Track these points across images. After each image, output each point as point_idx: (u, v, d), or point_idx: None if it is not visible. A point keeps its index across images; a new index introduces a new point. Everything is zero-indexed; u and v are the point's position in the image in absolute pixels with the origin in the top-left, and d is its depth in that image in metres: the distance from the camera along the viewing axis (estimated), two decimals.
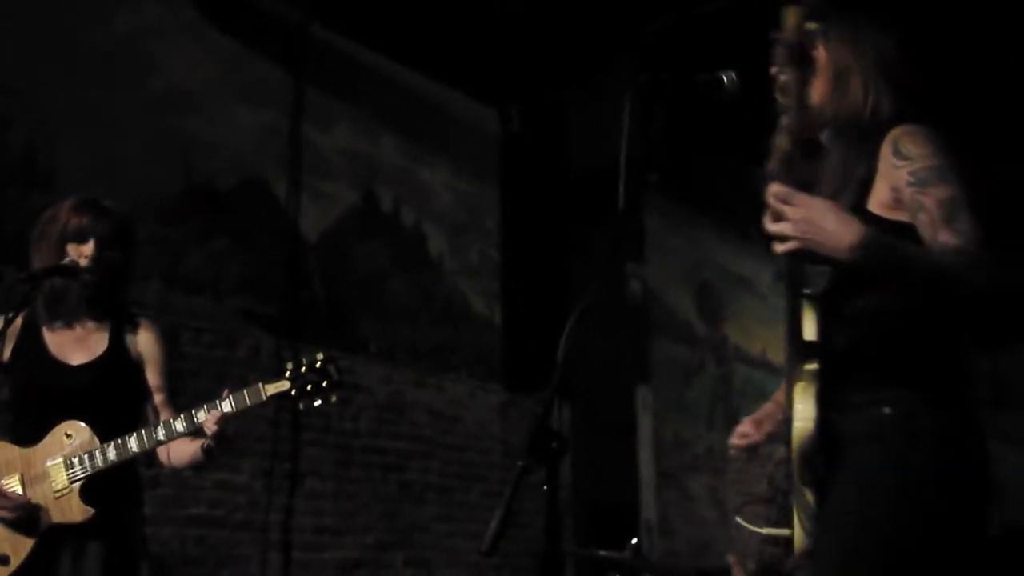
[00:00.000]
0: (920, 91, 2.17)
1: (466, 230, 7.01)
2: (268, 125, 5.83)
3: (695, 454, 8.30)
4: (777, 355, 9.42)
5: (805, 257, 1.95)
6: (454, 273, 6.86)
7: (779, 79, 1.93)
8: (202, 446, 2.96)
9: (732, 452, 2.39)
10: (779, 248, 1.92)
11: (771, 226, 1.92)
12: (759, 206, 1.97)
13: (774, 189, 1.92)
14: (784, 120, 1.89)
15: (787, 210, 1.89)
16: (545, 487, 1.81)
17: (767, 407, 2.44)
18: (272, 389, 2.90)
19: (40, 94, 4.82)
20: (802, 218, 1.88)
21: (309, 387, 2.90)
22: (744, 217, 9.18)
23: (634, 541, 3.86)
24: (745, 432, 2.39)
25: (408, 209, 6.61)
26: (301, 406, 2.93)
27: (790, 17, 1.82)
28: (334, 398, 2.92)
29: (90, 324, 3.07)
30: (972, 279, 1.87)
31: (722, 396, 8.83)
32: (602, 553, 3.94)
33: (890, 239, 1.91)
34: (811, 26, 1.86)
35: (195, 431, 2.91)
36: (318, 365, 2.91)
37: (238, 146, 5.66)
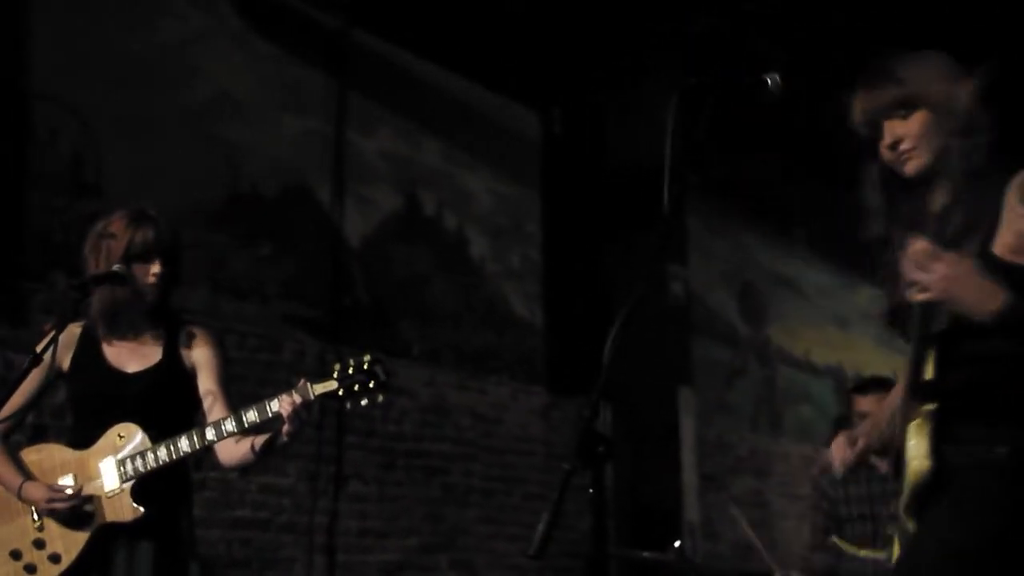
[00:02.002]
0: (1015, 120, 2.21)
1: (507, 233, 7.02)
2: (311, 131, 5.87)
3: (738, 456, 8.25)
4: (822, 356, 9.38)
5: (940, 314, 2.03)
6: (496, 276, 6.87)
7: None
8: (252, 444, 3.00)
9: (831, 470, 2.44)
10: (918, 297, 2.00)
11: (914, 274, 1.98)
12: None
13: (920, 246, 1.97)
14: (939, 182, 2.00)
15: (936, 266, 1.95)
16: (591, 490, 1.82)
17: (863, 426, 2.48)
18: (320, 389, 2.92)
19: (86, 103, 4.89)
20: (947, 275, 1.95)
21: (356, 387, 2.90)
22: (787, 219, 9.13)
23: (677, 544, 3.85)
24: (842, 455, 2.42)
25: (450, 213, 6.63)
26: (348, 406, 2.94)
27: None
28: (381, 398, 2.93)
29: (146, 334, 3.12)
30: None
31: (765, 398, 8.78)
32: (646, 555, 3.93)
33: None
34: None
35: (245, 431, 2.93)
36: (366, 366, 2.91)
37: (281, 152, 5.71)
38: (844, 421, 5.08)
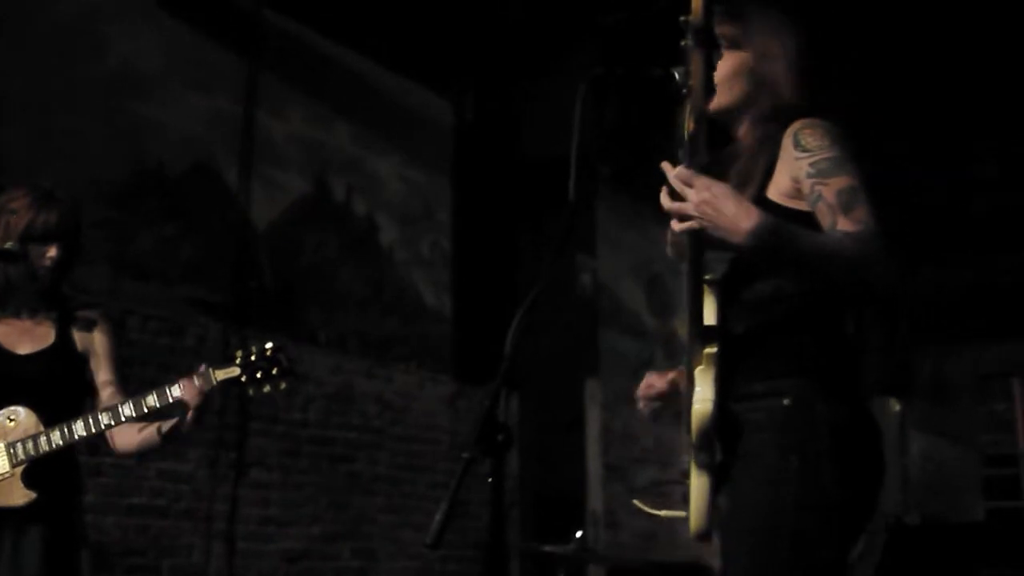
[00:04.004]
0: (822, 84, 2.23)
1: (418, 220, 6.99)
2: (220, 111, 5.77)
3: (643, 447, 8.35)
4: None
5: (706, 242, 1.98)
6: (405, 263, 6.84)
7: (687, 61, 1.95)
8: (159, 428, 2.97)
9: (641, 405, 2.41)
10: (677, 227, 1.97)
11: (669, 205, 1.97)
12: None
13: (677, 170, 1.95)
14: (690, 103, 1.91)
15: (688, 192, 1.93)
16: (490, 480, 1.82)
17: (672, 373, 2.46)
18: (222, 375, 2.92)
19: None
20: (702, 200, 1.92)
21: (259, 374, 2.92)
22: None
23: (579, 533, 3.88)
24: (650, 383, 2.41)
25: (360, 198, 6.58)
26: (251, 392, 2.95)
27: (696, 0, 1.84)
28: (284, 385, 2.95)
29: (39, 315, 3.06)
30: (864, 261, 1.93)
31: None
32: (546, 548, 3.95)
33: (785, 224, 1.96)
34: (719, 8, 1.89)
35: (144, 416, 2.90)
36: (269, 353, 2.93)
37: (189, 131, 5.60)
38: None
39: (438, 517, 1.74)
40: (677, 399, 2.37)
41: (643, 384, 2.43)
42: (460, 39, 6.77)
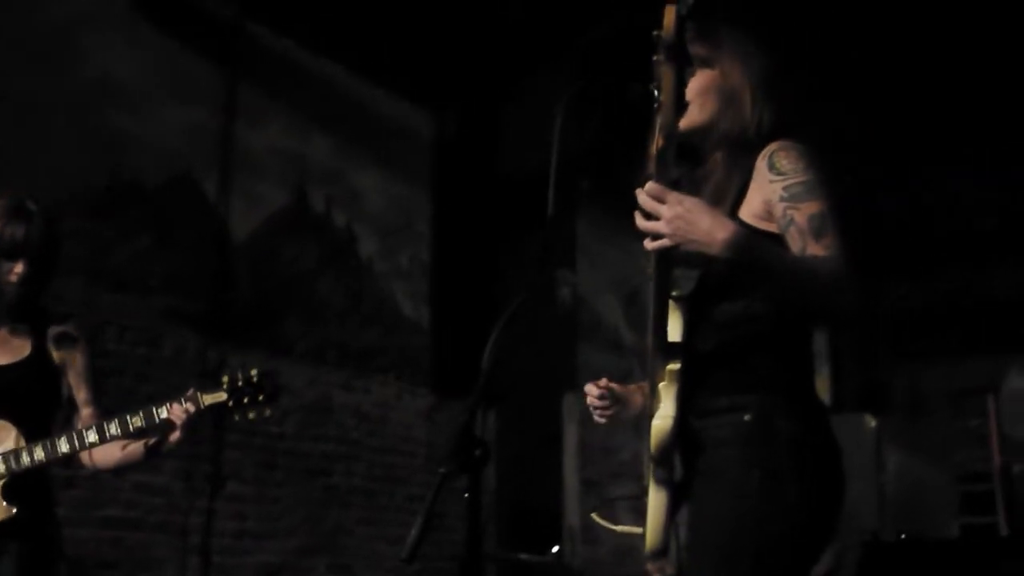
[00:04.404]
0: (794, 107, 2.24)
1: (397, 233, 6.99)
2: (199, 122, 5.76)
3: (620, 461, 8.34)
4: None
5: (675, 259, 1.99)
6: (384, 275, 6.83)
7: (658, 77, 1.96)
8: (145, 443, 2.97)
9: (592, 405, 2.41)
10: (651, 245, 1.96)
11: (643, 224, 1.96)
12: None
13: (648, 187, 1.95)
14: (660, 118, 1.92)
15: (660, 208, 1.93)
16: (466, 494, 1.81)
17: (631, 387, 2.46)
18: (209, 399, 2.94)
19: None
20: (675, 215, 1.92)
21: (245, 399, 2.94)
22: None
23: (556, 548, 3.88)
24: (606, 385, 2.41)
25: (339, 210, 6.57)
26: (236, 418, 2.95)
27: (669, 15, 1.84)
28: (269, 412, 2.96)
29: (14, 327, 3.03)
30: (832, 287, 1.95)
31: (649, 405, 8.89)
32: (523, 557, 3.94)
33: (760, 239, 2.00)
34: (690, 24, 1.89)
35: (127, 435, 2.89)
36: (255, 379, 2.94)
37: (168, 142, 5.58)
38: None
39: (414, 532, 1.73)
40: (628, 401, 2.38)
41: (598, 382, 2.43)
42: (442, 53, 6.77)
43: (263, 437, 5.74)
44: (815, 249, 1.98)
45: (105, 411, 2.98)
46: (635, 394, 2.42)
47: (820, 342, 11.17)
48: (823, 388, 11.24)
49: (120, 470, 3.11)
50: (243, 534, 5.55)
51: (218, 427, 5.29)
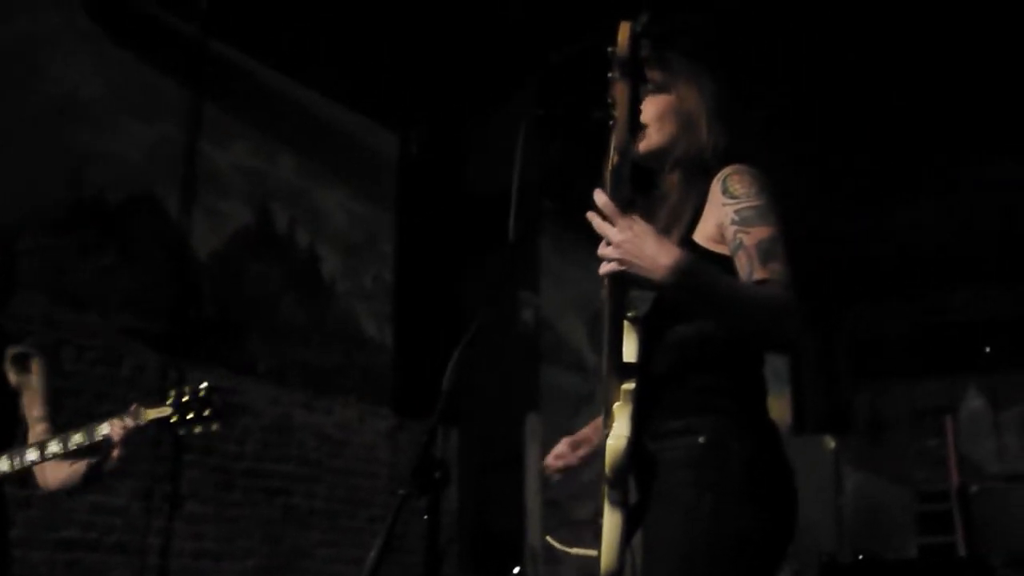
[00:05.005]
0: (752, 132, 2.27)
1: (361, 252, 6.97)
2: (162, 139, 5.72)
3: (582, 482, 8.34)
4: None
5: (628, 281, 2.00)
6: (347, 295, 6.81)
7: (612, 94, 1.97)
8: (89, 464, 2.90)
9: (547, 472, 2.45)
10: (602, 270, 1.98)
11: (600, 251, 1.98)
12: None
13: (600, 203, 1.96)
14: (614, 136, 1.94)
15: (610, 231, 1.95)
16: (426, 516, 1.81)
17: (584, 431, 2.50)
18: (153, 414, 2.87)
19: None
20: (624, 239, 1.94)
21: (190, 415, 2.87)
22: None
23: (517, 569, 3.87)
24: (561, 453, 2.45)
25: (303, 229, 6.55)
26: (181, 433, 2.90)
27: (623, 32, 1.86)
28: (215, 427, 2.90)
29: None
30: (774, 312, 1.97)
31: None
32: None
33: (704, 266, 2.00)
34: (645, 43, 1.90)
35: (70, 453, 2.84)
36: (202, 393, 2.88)
37: (130, 159, 5.54)
38: None
39: (372, 554, 1.73)
40: (586, 441, 2.40)
41: (554, 453, 2.46)
42: (407, 72, 6.79)
43: (222, 457, 5.70)
44: (761, 273, 2.00)
45: (59, 431, 2.94)
46: (590, 433, 2.44)
47: (781, 365, 11.26)
48: (785, 410, 11.32)
49: (73, 491, 3.04)
50: (202, 555, 5.50)
51: (177, 445, 5.25)
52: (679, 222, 2.16)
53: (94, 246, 5.31)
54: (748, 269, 2.02)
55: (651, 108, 2.22)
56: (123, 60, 5.56)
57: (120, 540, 5.10)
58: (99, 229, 5.35)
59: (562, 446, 2.46)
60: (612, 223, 1.95)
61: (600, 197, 1.96)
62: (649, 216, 2.10)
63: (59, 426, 2.97)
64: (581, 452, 2.43)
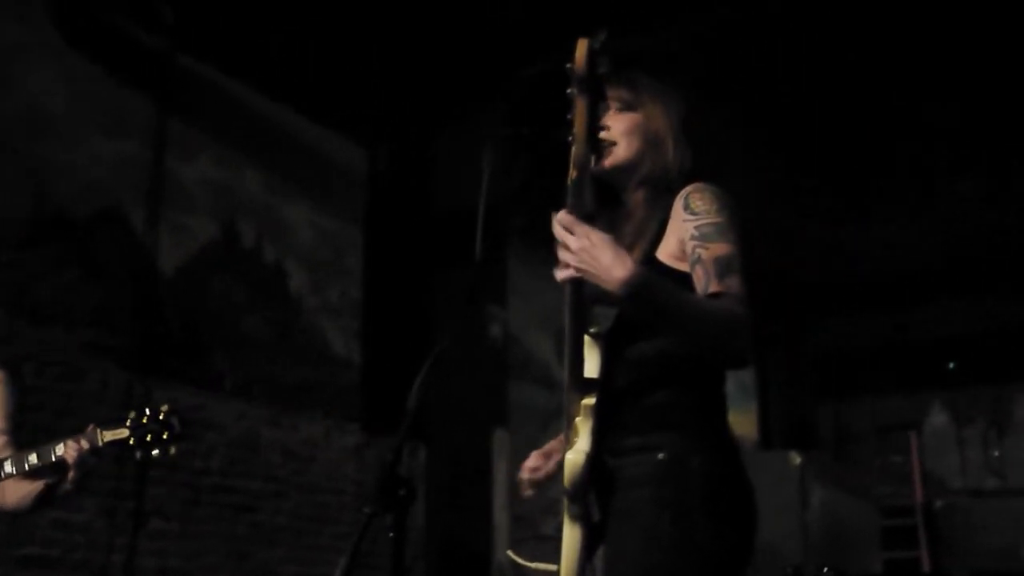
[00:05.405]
0: (717, 150, 2.30)
1: (328, 268, 6.95)
2: (128, 153, 5.69)
3: (550, 497, 8.33)
4: None
5: (589, 296, 2.03)
6: (314, 311, 6.78)
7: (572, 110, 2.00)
8: (47, 483, 2.86)
9: (522, 486, 2.46)
10: (559, 276, 2.01)
11: (560, 255, 2.00)
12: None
13: (559, 215, 1.99)
14: (573, 150, 1.96)
15: (569, 239, 1.98)
16: (391, 534, 1.81)
17: (552, 443, 2.51)
18: (109, 436, 2.85)
19: None
20: (581, 248, 1.97)
21: (149, 437, 2.84)
22: None
23: None
24: (534, 466, 2.46)
25: (269, 244, 6.52)
26: (138, 456, 2.86)
27: (581, 48, 1.88)
28: (173, 450, 2.87)
29: None
30: (726, 328, 1.99)
31: None
32: None
33: (659, 280, 2.02)
34: (603, 59, 1.93)
35: (27, 473, 2.81)
36: (161, 416, 2.85)
37: (96, 174, 5.50)
38: None
39: (337, 572, 1.72)
40: (555, 454, 2.41)
41: (527, 467, 2.48)
42: (375, 88, 6.79)
43: (187, 473, 5.65)
44: (717, 287, 2.02)
45: (20, 447, 2.90)
46: (557, 447, 2.45)
47: (749, 380, 11.32)
48: (751, 425, 11.37)
49: (26, 511, 2.99)
50: (166, 572, 5.45)
51: (141, 463, 5.20)
52: (643, 238, 2.19)
53: (58, 261, 5.26)
54: (704, 283, 2.04)
55: (619, 125, 2.25)
56: (89, 74, 5.53)
57: (83, 558, 5.04)
58: (63, 244, 5.31)
59: (533, 459, 2.46)
60: (571, 231, 1.97)
61: (562, 211, 1.98)
62: (614, 231, 2.12)
63: (19, 443, 2.93)
64: (554, 460, 2.42)
